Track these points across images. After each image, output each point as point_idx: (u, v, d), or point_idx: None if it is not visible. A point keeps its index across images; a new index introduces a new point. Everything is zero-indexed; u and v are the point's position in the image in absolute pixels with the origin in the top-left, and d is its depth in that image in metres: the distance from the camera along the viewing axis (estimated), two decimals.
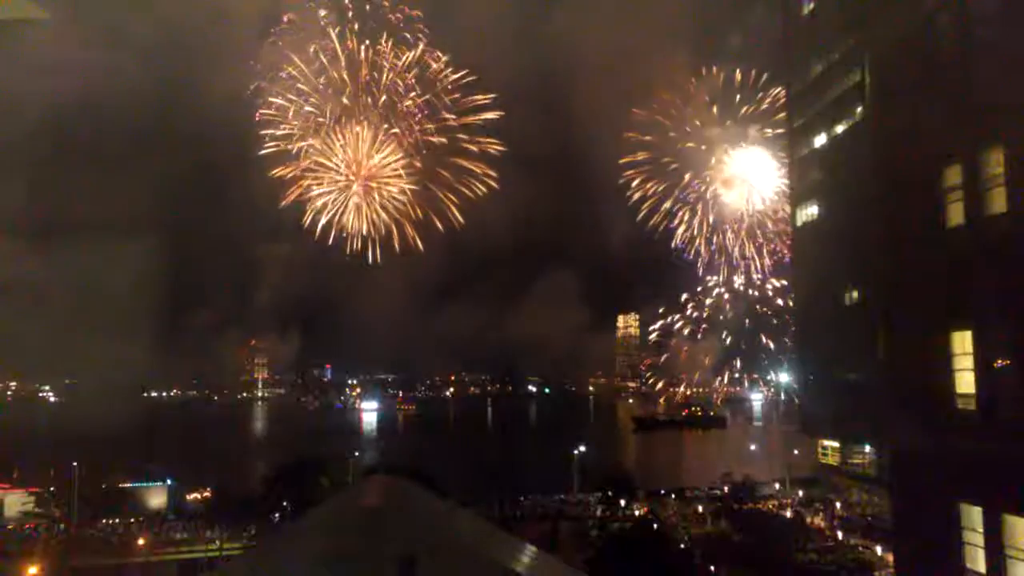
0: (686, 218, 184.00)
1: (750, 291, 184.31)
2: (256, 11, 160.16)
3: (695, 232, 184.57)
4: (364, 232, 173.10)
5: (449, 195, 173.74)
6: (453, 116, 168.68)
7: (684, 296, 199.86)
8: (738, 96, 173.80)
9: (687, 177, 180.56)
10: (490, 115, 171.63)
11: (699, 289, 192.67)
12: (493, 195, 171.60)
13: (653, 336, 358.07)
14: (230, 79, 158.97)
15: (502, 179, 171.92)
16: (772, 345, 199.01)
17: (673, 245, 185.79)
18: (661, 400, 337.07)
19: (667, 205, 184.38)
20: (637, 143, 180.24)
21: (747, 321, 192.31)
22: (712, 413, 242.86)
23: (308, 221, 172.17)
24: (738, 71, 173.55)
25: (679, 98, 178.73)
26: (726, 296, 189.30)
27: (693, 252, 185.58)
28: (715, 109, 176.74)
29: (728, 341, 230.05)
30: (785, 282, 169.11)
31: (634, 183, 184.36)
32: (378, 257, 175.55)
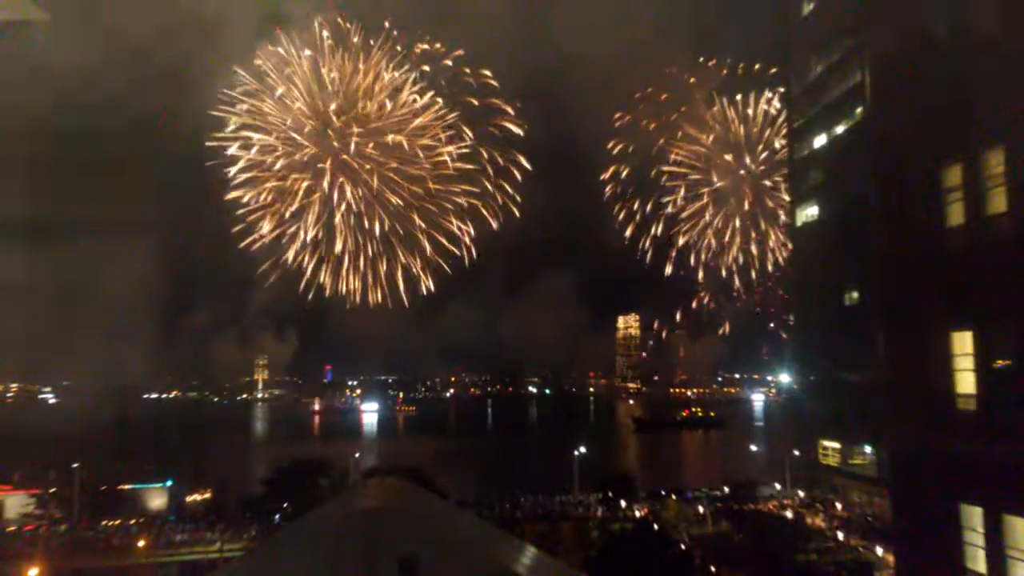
0: (680, 237, 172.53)
1: (750, 299, 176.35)
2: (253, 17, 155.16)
3: (691, 249, 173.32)
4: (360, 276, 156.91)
5: (465, 227, 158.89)
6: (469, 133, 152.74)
7: (683, 299, 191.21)
8: (738, 97, 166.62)
9: (681, 192, 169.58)
10: (512, 127, 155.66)
11: (698, 294, 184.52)
12: (493, 196, 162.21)
13: (653, 338, 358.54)
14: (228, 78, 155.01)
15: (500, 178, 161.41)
16: (772, 346, 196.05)
17: (669, 257, 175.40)
18: (651, 394, 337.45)
19: (661, 215, 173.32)
20: (621, 154, 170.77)
21: (747, 323, 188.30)
22: (712, 413, 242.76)
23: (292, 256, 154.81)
24: (740, 68, 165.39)
25: (672, 102, 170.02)
26: (725, 301, 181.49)
27: (690, 265, 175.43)
28: (714, 111, 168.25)
29: (728, 343, 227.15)
30: (785, 288, 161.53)
31: (619, 201, 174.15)
32: (383, 300, 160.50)
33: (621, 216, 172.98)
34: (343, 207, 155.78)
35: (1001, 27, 23.30)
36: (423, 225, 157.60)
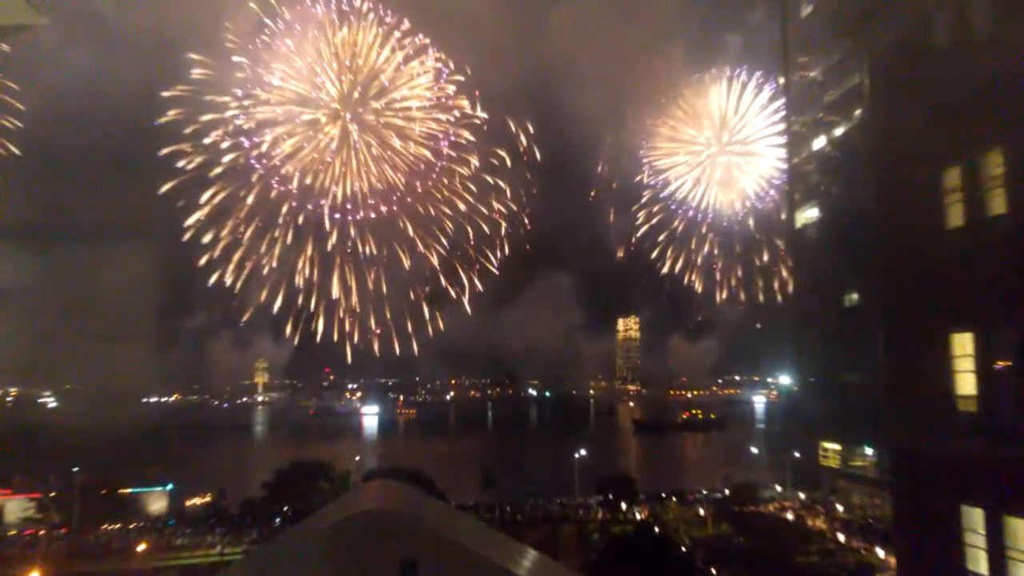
0: (672, 253, 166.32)
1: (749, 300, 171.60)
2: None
3: (685, 265, 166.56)
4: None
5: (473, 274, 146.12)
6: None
7: (683, 303, 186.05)
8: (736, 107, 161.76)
9: (675, 219, 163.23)
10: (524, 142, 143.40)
11: (695, 302, 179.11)
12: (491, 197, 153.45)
13: (653, 341, 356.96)
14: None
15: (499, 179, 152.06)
16: (771, 348, 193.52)
17: (664, 272, 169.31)
18: (651, 396, 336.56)
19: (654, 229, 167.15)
20: (613, 171, 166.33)
21: (747, 324, 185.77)
22: (712, 415, 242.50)
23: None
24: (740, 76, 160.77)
25: (664, 114, 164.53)
26: (724, 303, 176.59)
27: (686, 280, 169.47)
28: (706, 122, 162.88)
29: (729, 344, 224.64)
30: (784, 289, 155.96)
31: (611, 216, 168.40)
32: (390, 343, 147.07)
33: (613, 238, 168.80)
34: (334, 236, 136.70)
35: (1000, 27, 23.33)
36: (436, 253, 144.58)
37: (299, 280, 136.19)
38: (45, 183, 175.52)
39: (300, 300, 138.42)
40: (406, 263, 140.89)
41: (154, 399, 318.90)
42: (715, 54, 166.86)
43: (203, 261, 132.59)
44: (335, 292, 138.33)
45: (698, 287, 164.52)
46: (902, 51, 27.83)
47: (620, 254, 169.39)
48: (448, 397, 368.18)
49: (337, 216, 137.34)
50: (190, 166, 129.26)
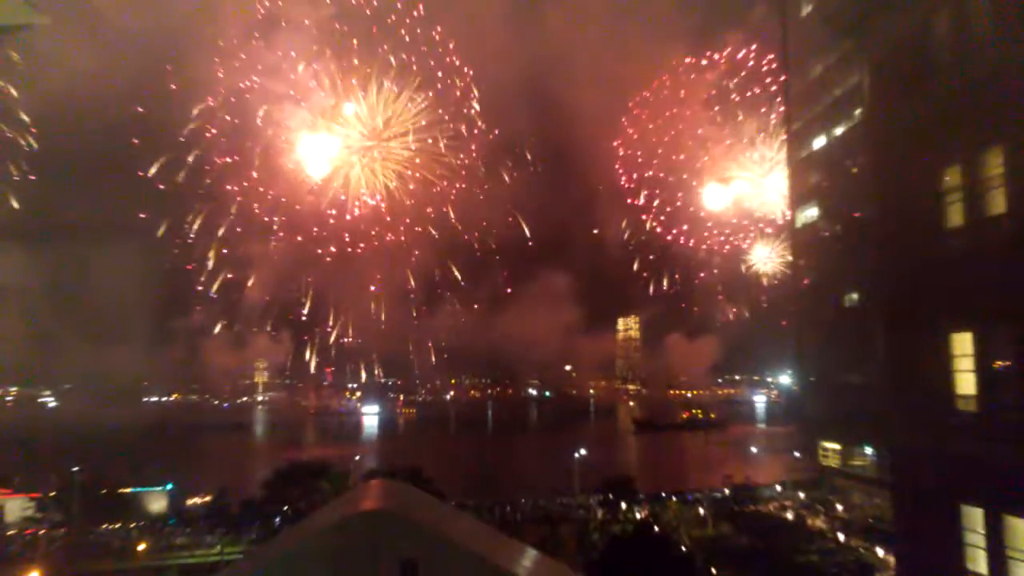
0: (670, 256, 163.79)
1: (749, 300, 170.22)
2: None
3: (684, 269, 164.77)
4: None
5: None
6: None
7: (682, 303, 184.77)
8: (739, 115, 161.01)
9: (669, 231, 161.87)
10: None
11: (692, 302, 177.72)
12: (491, 197, 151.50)
13: (653, 340, 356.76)
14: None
15: (496, 178, 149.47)
16: (772, 348, 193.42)
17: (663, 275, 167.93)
18: (651, 395, 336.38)
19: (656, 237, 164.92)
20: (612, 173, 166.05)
21: (747, 324, 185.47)
22: (712, 415, 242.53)
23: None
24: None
25: (663, 120, 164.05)
26: (725, 304, 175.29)
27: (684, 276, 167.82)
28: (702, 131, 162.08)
29: (729, 344, 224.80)
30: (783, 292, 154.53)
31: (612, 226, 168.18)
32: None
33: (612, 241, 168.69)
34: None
35: (1000, 26, 23.30)
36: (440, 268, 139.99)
37: (296, 291, 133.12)
38: (45, 183, 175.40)
39: (298, 315, 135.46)
40: (411, 283, 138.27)
41: (154, 399, 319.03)
42: (714, 54, 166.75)
43: (192, 277, 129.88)
44: (331, 320, 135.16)
45: (696, 292, 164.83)
46: (902, 51, 27.80)
47: (618, 256, 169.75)
48: (448, 397, 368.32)
49: (334, 249, 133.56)
50: (175, 178, 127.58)
